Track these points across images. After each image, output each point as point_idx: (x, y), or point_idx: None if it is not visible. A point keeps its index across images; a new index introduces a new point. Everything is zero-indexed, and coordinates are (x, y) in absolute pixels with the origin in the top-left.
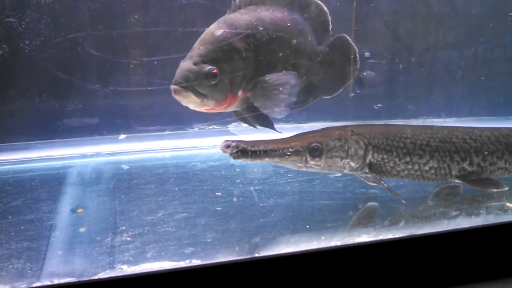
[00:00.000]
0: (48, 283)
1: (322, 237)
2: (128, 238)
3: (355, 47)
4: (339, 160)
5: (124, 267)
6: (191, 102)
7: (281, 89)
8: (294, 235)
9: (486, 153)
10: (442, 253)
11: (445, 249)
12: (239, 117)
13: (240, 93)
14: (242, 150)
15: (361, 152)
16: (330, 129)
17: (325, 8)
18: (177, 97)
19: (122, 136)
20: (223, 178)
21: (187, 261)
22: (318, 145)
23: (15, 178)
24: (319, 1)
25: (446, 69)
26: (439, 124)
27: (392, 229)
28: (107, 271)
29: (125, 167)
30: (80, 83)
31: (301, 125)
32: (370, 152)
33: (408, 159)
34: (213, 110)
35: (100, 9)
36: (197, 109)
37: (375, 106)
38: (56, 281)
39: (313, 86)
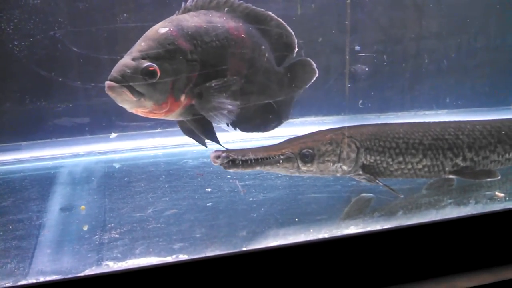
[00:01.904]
0: (33, 281)
1: (311, 230)
2: (117, 235)
3: (316, 72)
4: (332, 164)
5: (111, 263)
6: (126, 101)
7: (226, 96)
8: (282, 229)
9: (478, 148)
10: (431, 243)
11: (433, 239)
12: (184, 128)
13: (183, 98)
14: (233, 160)
15: (353, 155)
16: (321, 133)
17: (290, 30)
18: (111, 94)
19: (114, 134)
20: (214, 174)
21: (174, 256)
22: (310, 150)
23: (5, 179)
24: (282, 22)
25: (436, 61)
26: (431, 116)
27: (380, 220)
28: (94, 268)
29: (117, 165)
30: (70, 83)
31: (292, 120)
32: (363, 155)
33: (401, 159)
34: (152, 114)
35: (90, 6)
36: (134, 110)
37: (359, 105)
38: (42, 279)
39: (273, 110)
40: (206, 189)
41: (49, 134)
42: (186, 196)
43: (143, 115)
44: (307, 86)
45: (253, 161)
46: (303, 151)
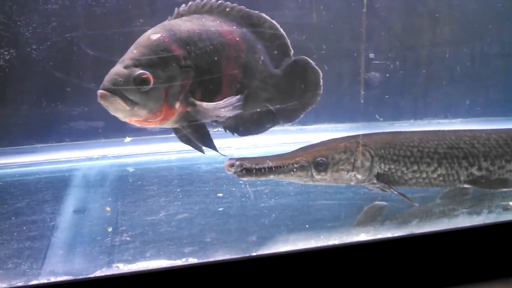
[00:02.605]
0: (45, 281)
1: (321, 236)
2: (128, 238)
3: (318, 70)
4: (346, 173)
5: (122, 265)
6: (119, 110)
7: (222, 110)
8: (292, 235)
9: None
10: (443, 252)
11: (445, 248)
12: (180, 136)
13: (178, 105)
14: (247, 169)
15: (367, 164)
16: (335, 141)
17: (282, 31)
18: (103, 104)
19: (128, 139)
20: (226, 179)
21: (184, 259)
22: (324, 159)
23: (21, 181)
24: (275, 23)
25: (451, 69)
26: (445, 125)
27: (392, 228)
28: (104, 269)
29: (130, 169)
30: (86, 86)
31: (305, 127)
32: (377, 163)
33: (415, 167)
34: (146, 122)
35: (107, 10)
36: (128, 120)
37: (377, 117)
38: (53, 279)
39: (270, 112)
40: (218, 194)
41: (64, 137)
42: (198, 201)
43: (137, 125)
44: (321, 91)
45: (266, 169)
46: (317, 159)
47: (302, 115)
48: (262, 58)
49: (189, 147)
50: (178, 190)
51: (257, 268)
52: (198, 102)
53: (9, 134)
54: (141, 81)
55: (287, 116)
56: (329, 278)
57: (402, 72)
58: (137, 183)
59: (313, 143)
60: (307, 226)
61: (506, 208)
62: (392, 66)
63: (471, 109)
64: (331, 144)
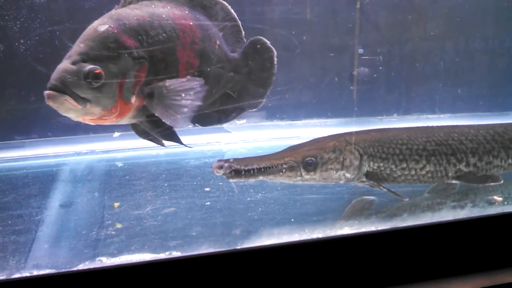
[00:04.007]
0: (27, 274)
1: (305, 230)
2: (113, 232)
3: (272, 49)
4: (335, 172)
5: (105, 259)
6: (71, 110)
7: (183, 95)
8: (277, 228)
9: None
10: (427, 245)
11: (430, 241)
12: (139, 131)
13: (134, 99)
14: (236, 170)
15: (356, 163)
16: (323, 140)
17: (233, 12)
18: (52, 105)
19: (117, 134)
20: (213, 174)
21: (168, 253)
22: (313, 158)
23: (8, 175)
24: (226, 4)
25: (439, 64)
26: (434, 120)
27: (376, 221)
28: (87, 263)
29: (119, 164)
30: None
31: (295, 122)
32: (366, 162)
33: (404, 165)
34: (101, 120)
35: (95, 4)
36: (81, 119)
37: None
38: (36, 273)
39: (232, 99)
40: (205, 189)
41: (52, 132)
42: (185, 195)
43: (92, 123)
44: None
45: (256, 170)
46: (306, 159)
47: (264, 99)
48: (218, 42)
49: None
50: (166, 185)
51: (240, 261)
52: (160, 83)
53: None
54: (92, 77)
55: (248, 100)
56: (312, 271)
57: (391, 67)
58: (125, 178)
59: (302, 142)
60: (292, 220)
61: (491, 202)
62: (381, 61)
63: (459, 104)
64: (319, 143)
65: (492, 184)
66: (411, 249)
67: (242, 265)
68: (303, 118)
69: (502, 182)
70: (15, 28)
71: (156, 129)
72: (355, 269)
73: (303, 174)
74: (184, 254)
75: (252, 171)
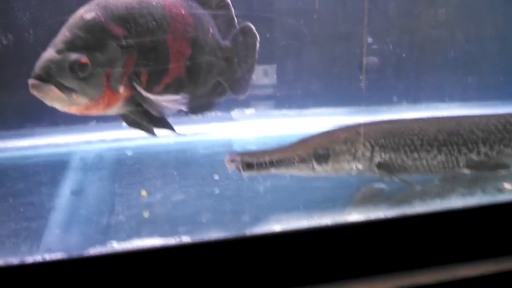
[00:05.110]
0: (39, 259)
1: (314, 217)
2: (124, 219)
3: (256, 35)
4: (347, 164)
5: (116, 244)
6: (56, 100)
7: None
8: (286, 215)
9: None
10: (435, 232)
11: (438, 228)
12: (129, 120)
13: (122, 90)
14: (248, 164)
15: (368, 154)
16: (334, 132)
17: None
18: (37, 94)
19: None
20: (223, 162)
21: (177, 238)
22: (325, 151)
23: (19, 164)
24: None
25: (450, 53)
26: (443, 109)
27: (384, 208)
28: (98, 247)
29: (129, 152)
30: None
31: (304, 111)
32: (377, 153)
33: (416, 155)
34: (88, 111)
35: None
36: (67, 109)
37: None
38: (48, 257)
39: (221, 87)
40: (215, 177)
41: (63, 121)
42: (194, 183)
43: (78, 114)
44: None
45: (268, 163)
46: (318, 151)
47: (250, 84)
48: (211, 30)
49: (186, 131)
50: (175, 173)
51: (249, 247)
52: (138, 88)
53: (6, 118)
54: (78, 66)
55: (238, 87)
56: (321, 258)
57: (400, 56)
58: (134, 166)
59: (312, 134)
60: (301, 207)
61: (501, 190)
62: (390, 50)
63: (469, 92)
64: (331, 135)
65: (503, 172)
66: (420, 236)
67: (251, 251)
68: (311, 107)
69: None
70: (25, 18)
71: (147, 118)
72: (364, 256)
73: (315, 166)
74: (194, 239)
75: (264, 164)
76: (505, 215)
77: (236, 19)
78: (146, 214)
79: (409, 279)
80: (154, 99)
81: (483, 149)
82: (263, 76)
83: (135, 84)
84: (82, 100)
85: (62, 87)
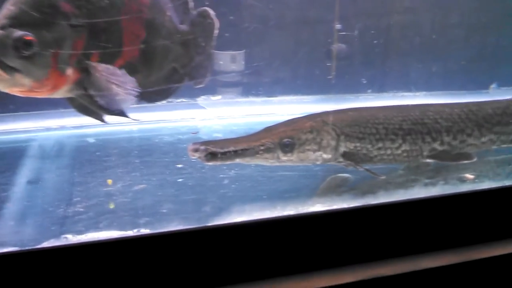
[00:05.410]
0: None
1: (277, 207)
2: (82, 209)
3: (215, 22)
4: (312, 153)
5: (71, 236)
6: None
7: (116, 85)
8: (249, 205)
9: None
10: (397, 222)
11: (399, 219)
12: (77, 106)
13: (70, 72)
14: (212, 153)
15: (333, 143)
16: (300, 121)
17: None
18: None
19: None
20: (186, 150)
21: (135, 230)
22: (290, 140)
23: None
24: None
25: (416, 42)
26: (409, 98)
27: (348, 198)
28: (52, 240)
29: (90, 140)
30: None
31: (270, 98)
32: (343, 142)
33: (381, 145)
34: (32, 93)
35: None
36: (8, 90)
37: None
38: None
39: (177, 74)
40: (177, 165)
41: (22, 107)
42: (157, 172)
43: (21, 95)
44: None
45: (232, 153)
46: (284, 140)
47: (209, 71)
48: (168, 13)
49: (150, 118)
50: (137, 161)
51: (210, 238)
52: (94, 64)
53: None
54: (22, 44)
55: (195, 75)
56: (283, 249)
57: (368, 44)
58: (95, 154)
59: (277, 122)
60: (265, 196)
61: (462, 180)
62: (357, 37)
63: (435, 82)
64: (296, 124)
65: (465, 162)
66: (382, 227)
67: (212, 242)
68: (279, 94)
69: (475, 160)
70: None
71: (96, 104)
72: (327, 247)
73: (280, 155)
74: (153, 231)
75: (228, 154)
76: (466, 205)
77: (191, 3)
78: (111, 206)
79: (371, 271)
80: (105, 84)
81: (446, 139)
82: (230, 62)
83: (90, 64)
84: (26, 81)
85: (4, 66)
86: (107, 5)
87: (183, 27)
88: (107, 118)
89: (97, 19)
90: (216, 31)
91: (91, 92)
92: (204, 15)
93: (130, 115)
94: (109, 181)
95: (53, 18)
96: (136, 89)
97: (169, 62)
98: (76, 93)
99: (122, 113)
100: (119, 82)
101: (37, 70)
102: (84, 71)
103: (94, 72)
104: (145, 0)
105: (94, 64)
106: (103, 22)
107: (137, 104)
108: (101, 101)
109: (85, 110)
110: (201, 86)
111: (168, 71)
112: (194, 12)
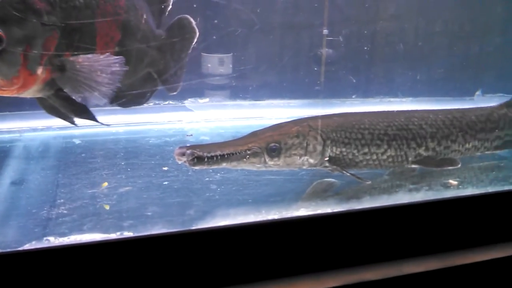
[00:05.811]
0: None
1: (262, 211)
2: (66, 211)
3: (196, 31)
4: (298, 157)
5: (53, 239)
6: None
7: (99, 73)
8: (234, 209)
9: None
10: (381, 227)
11: (383, 224)
12: (46, 106)
13: (40, 71)
14: (198, 157)
15: (319, 148)
16: (286, 126)
17: None
18: None
19: None
20: (172, 153)
21: (119, 233)
22: (276, 144)
23: None
24: None
25: (403, 49)
26: (396, 104)
27: (332, 204)
28: (34, 242)
29: (76, 141)
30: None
31: (258, 102)
32: (329, 147)
33: (366, 150)
34: (0, 91)
35: None
36: None
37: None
38: None
39: (152, 79)
40: (164, 168)
41: (7, 107)
42: (143, 174)
43: None
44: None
45: (219, 157)
46: (270, 145)
47: (182, 80)
48: (144, 16)
49: (137, 120)
50: (123, 163)
51: (194, 242)
52: (72, 58)
53: None
54: None
55: (169, 81)
56: (266, 253)
57: (357, 50)
58: (81, 156)
59: (264, 127)
60: (250, 200)
61: (446, 186)
62: (343, 43)
63: (422, 88)
64: (283, 129)
65: (450, 168)
66: (366, 232)
67: (196, 246)
68: (266, 98)
69: (459, 166)
70: None
71: (67, 105)
72: (311, 252)
73: (267, 160)
74: (136, 234)
75: (215, 158)
76: (450, 211)
77: (170, 6)
78: (107, 207)
79: (354, 275)
80: (87, 76)
81: (431, 145)
82: (218, 65)
83: (67, 60)
84: None
85: None
86: (81, 4)
87: (160, 31)
88: (77, 120)
89: (70, 19)
90: (194, 40)
91: (66, 90)
92: (184, 23)
93: (99, 119)
94: (104, 184)
95: (24, 14)
96: (123, 68)
97: (144, 67)
98: (47, 94)
99: (91, 117)
100: (105, 65)
101: (6, 68)
102: (57, 70)
103: (72, 68)
104: (121, 2)
105: (72, 58)
106: (76, 22)
107: (110, 106)
108: (78, 99)
109: (54, 111)
110: (174, 93)
111: (143, 75)
112: (175, 18)
